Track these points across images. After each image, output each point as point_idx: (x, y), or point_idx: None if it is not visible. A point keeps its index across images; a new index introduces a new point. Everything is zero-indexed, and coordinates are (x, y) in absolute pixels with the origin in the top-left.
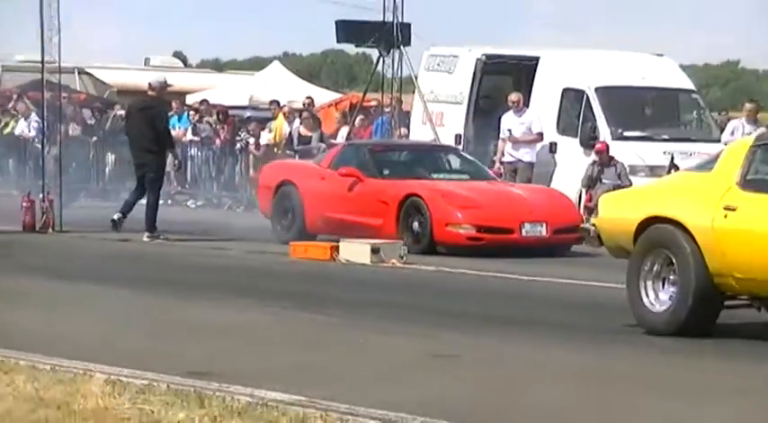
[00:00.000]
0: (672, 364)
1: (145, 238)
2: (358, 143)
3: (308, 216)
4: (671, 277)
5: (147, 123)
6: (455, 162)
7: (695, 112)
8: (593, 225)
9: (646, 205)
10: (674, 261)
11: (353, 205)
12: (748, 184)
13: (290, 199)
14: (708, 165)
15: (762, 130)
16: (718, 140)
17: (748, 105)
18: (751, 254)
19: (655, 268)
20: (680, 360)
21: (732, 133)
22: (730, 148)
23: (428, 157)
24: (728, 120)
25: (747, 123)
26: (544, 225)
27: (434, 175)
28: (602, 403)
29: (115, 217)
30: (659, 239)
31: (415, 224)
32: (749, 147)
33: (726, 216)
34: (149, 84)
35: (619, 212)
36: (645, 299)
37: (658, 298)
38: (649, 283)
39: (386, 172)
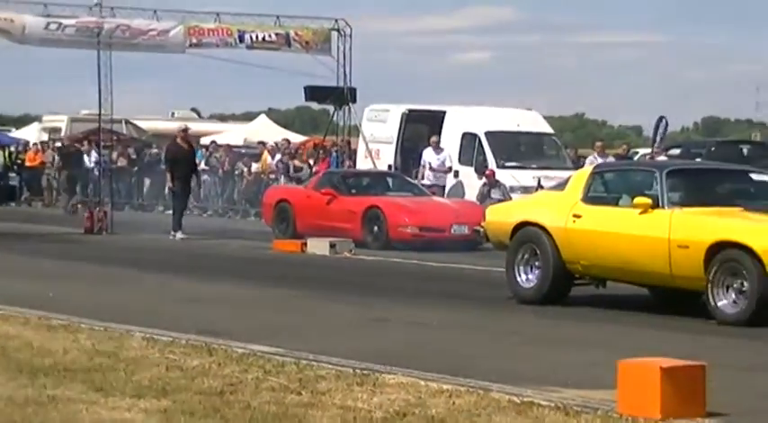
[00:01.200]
0: (537, 323)
1: (170, 237)
2: (333, 171)
3: (298, 223)
4: (536, 264)
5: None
6: (401, 183)
7: (554, 150)
8: (482, 227)
9: (519, 213)
10: (538, 252)
11: (331, 215)
12: (588, 199)
13: (286, 211)
14: (561, 186)
15: (598, 161)
16: (571, 168)
17: (598, 144)
18: (591, 247)
19: (525, 257)
20: (542, 320)
21: (590, 163)
22: (576, 174)
23: (383, 180)
24: (576, 154)
25: (599, 156)
26: (466, 226)
27: (388, 193)
28: (489, 347)
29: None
30: (528, 237)
31: (375, 227)
32: (588, 174)
33: (574, 221)
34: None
35: (500, 218)
36: (519, 278)
37: (528, 278)
38: (521, 268)
39: (353, 191)
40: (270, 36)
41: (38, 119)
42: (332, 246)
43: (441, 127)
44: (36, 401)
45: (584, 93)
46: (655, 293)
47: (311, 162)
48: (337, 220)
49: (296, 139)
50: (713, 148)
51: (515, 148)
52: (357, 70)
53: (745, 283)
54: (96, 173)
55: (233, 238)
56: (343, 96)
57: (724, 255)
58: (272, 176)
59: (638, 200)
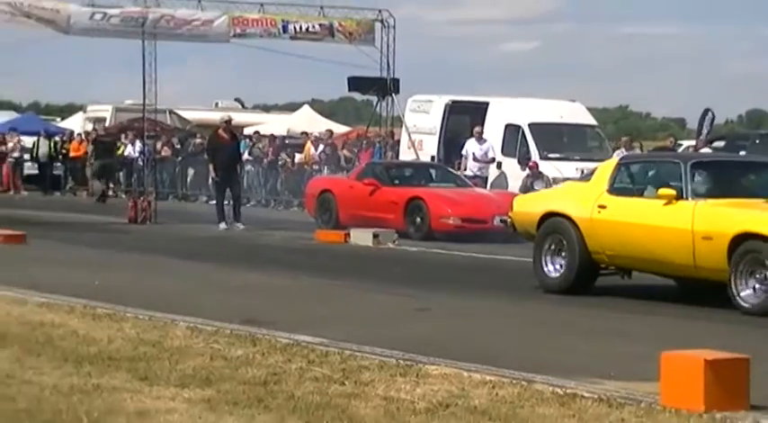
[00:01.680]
0: (563, 312)
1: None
2: (376, 162)
3: (341, 214)
4: (562, 254)
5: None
6: (444, 174)
7: (597, 141)
8: (510, 217)
9: (545, 204)
10: (564, 242)
11: (373, 205)
12: (614, 190)
13: (329, 202)
14: (587, 177)
15: (623, 153)
16: None
17: (624, 138)
18: (616, 238)
19: (552, 247)
20: (569, 309)
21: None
22: (602, 166)
23: (425, 171)
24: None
25: (626, 150)
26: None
27: (430, 184)
28: (530, 338)
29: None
30: (555, 227)
31: (417, 218)
32: (614, 165)
33: (599, 212)
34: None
35: (527, 208)
36: (545, 268)
37: (554, 268)
38: (548, 258)
39: (396, 181)
40: (313, 26)
41: (82, 108)
42: (375, 236)
43: (484, 118)
44: (81, 390)
45: (627, 85)
46: (681, 284)
47: (355, 151)
48: (380, 211)
49: (339, 129)
50: (757, 141)
51: (559, 139)
52: (400, 61)
53: None
54: (140, 163)
55: (276, 229)
56: (386, 87)
57: (747, 246)
58: (315, 167)
59: (663, 191)
